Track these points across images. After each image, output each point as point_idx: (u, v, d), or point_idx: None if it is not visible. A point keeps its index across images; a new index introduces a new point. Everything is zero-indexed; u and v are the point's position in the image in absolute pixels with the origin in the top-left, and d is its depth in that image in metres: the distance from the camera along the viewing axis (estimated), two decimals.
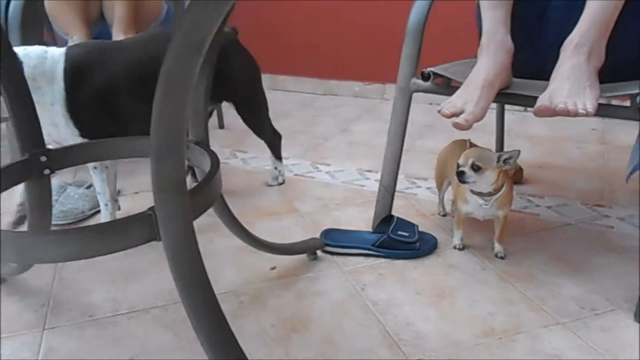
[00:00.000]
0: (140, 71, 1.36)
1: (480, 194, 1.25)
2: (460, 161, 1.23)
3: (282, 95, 3.02)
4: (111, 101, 1.36)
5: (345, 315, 1.12)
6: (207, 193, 0.79)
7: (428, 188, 1.75)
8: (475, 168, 1.20)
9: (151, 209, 0.69)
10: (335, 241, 1.35)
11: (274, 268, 1.30)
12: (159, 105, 0.58)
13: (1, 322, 1.13)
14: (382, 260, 1.33)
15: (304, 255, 1.33)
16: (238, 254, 1.36)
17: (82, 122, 1.34)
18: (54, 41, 2.17)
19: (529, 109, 2.47)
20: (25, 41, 1.72)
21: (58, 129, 1.33)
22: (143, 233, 0.70)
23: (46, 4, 1.87)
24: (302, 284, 1.24)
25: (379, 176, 1.41)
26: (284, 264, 1.31)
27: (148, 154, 1.11)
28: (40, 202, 1.05)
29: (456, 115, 1.12)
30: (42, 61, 1.29)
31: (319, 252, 1.35)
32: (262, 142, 1.78)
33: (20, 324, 1.13)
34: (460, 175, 1.21)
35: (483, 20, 1.21)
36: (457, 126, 1.10)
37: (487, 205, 1.25)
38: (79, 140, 1.36)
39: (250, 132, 1.73)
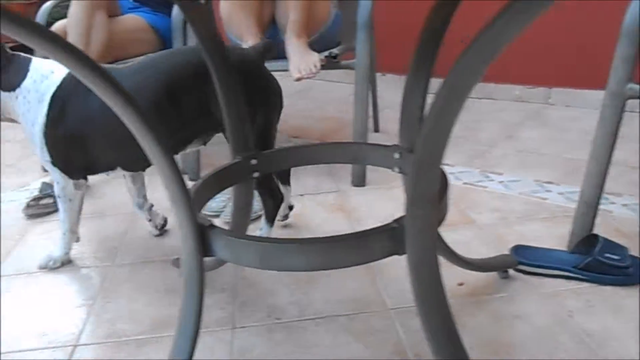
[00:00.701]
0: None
1: None
2: None
3: None
4: (82, 140, 1.29)
5: (555, 344, 1.01)
6: (442, 209, 0.74)
7: (624, 205, 1.56)
8: None
9: (396, 221, 0.65)
10: (529, 259, 1.24)
11: (461, 284, 1.22)
12: (435, 116, 0.53)
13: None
14: (586, 284, 1.19)
15: (492, 273, 1.24)
16: None
17: (53, 152, 1.31)
18: None
19: None
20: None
21: (35, 147, 1.32)
22: (386, 246, 0.66)
23: (222, 8, 1.93)
24: (497, 304, 1.15)
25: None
26: (471, 280, 1.22)
27: (348, 160, 1.11)
28: (244, 204, 1.06)
29: None
30: (42, 79, 1.27)
31: (509, 271, 1.24)
32: None
33: (210, 320, 1.16)
34: None
35: None
36: None
37: None
38: (49, 164, 1.32)
39: None
